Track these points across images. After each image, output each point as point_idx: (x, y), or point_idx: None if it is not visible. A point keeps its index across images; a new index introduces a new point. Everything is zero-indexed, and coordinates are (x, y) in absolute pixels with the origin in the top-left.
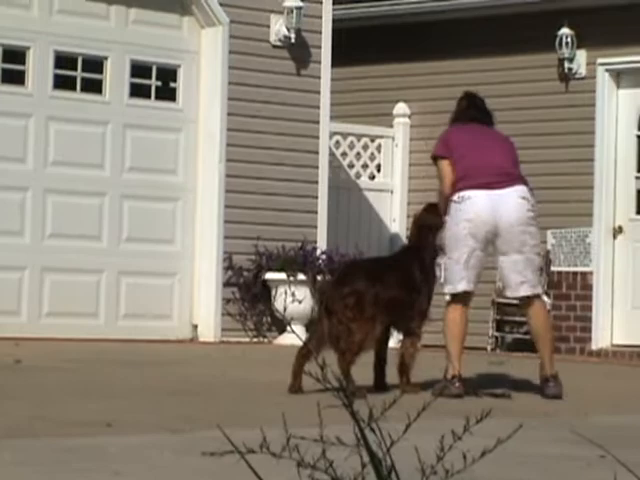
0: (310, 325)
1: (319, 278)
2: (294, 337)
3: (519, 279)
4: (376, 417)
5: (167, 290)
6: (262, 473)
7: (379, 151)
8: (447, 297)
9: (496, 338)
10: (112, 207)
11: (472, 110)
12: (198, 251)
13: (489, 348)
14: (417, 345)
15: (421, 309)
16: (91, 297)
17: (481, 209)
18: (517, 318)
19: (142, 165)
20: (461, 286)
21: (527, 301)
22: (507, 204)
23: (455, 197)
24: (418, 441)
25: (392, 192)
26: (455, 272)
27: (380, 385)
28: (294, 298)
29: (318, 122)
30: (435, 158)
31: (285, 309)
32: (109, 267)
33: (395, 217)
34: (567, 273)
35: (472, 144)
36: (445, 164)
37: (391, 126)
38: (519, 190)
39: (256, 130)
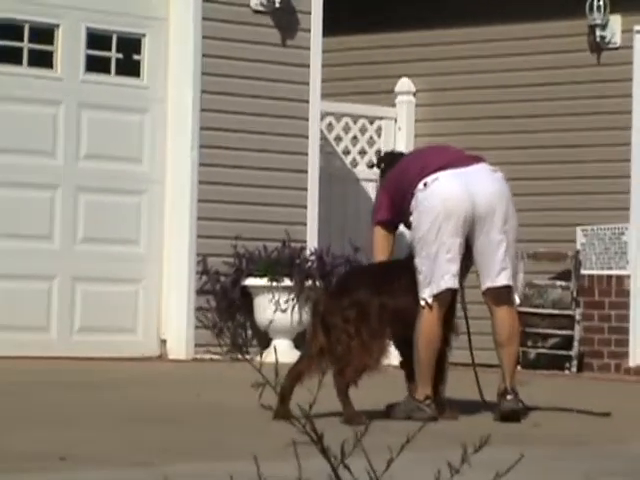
0: (299, 339)
1: (308, 284)
2: (280, 353)
3: (501, 264)
4: (348, 453)
5: (131, 299)
6: None
7: (379, 135)
8: (422, 302)
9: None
10: (65, 202)
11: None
12: (167, 253)
13: None
14: (445, 361)
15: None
16: (41, 308)
17: (453, 186)
18: (541, 330)
19: (101, 152)
20: (445, 282)
21: (497, 295)
22: (480, 178)
23: (419, 186)
24: (417, 473)
25: None
26: (435, 268)
27: None
28: (278, 307)
29: (307, 101)
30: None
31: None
32: (62, 272)
33: None
34: (600, 277)
35: (416, 159)
36: (379, 231)
37: (393, 105)
38: (487, 165)
39: (234, 111)
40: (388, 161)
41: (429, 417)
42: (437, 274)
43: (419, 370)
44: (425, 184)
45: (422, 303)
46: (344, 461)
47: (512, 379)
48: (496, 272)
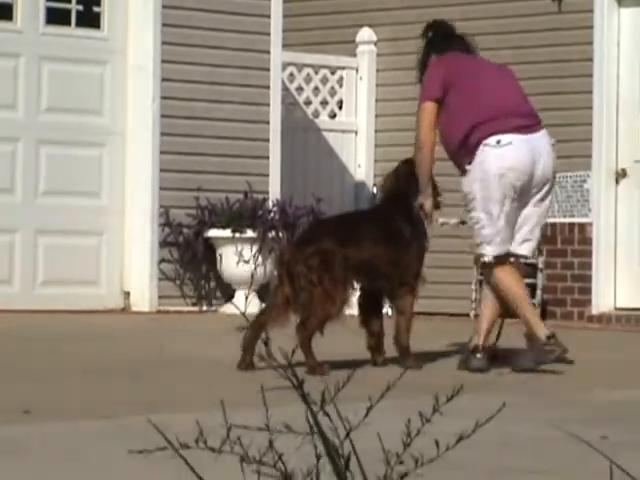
0: (262, 290)
1: (271, 235)
2: (243, 305)
3: (527, 235)
4: (329, 399)
5: (93, 252)
6: (202, 465)
7: (340, 85)
8: (486, 259)
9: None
10: (27, 155)
11: (451, 40)
12: (129, 205)
13: (472, 314)
14: (411, 311)
15: (412, 270)
16: (3, 261)
17: (523, 156)
18: None
19: (61, 105)
20: (505, 247)
21: (509, 261)
22: (542, 150)
23: (491, 141)
24: (386, 424)
25: (356, 133)
26: (498, 231)
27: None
28: (241, 259)
29: (268, 51)
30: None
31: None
32: (24, 225)
33: (360, 162)
34: (562, 225)
35: (482, 78)
36: (431, 107)
37: (354, 55)
38: (547, 135)
39: (196, 62)
40: (437, 30)
41: (558, 355)
42: (499, 237)
43: (524, 311)
44: (498, 142)
45: (486, 259)
46: (324, 408)
47: (487, 338)
48: (520, 241)
